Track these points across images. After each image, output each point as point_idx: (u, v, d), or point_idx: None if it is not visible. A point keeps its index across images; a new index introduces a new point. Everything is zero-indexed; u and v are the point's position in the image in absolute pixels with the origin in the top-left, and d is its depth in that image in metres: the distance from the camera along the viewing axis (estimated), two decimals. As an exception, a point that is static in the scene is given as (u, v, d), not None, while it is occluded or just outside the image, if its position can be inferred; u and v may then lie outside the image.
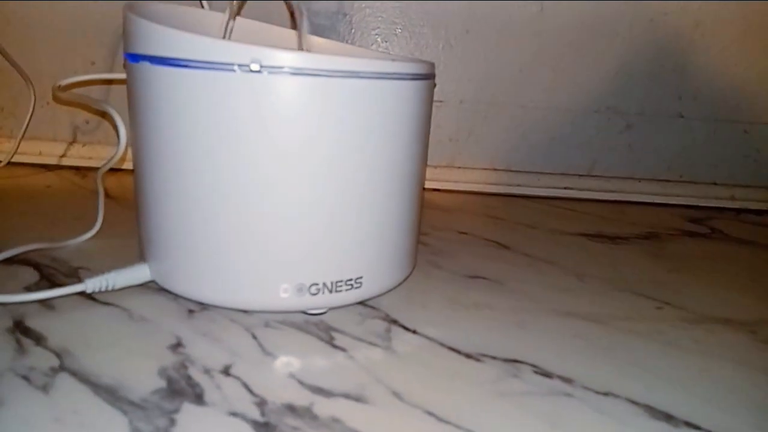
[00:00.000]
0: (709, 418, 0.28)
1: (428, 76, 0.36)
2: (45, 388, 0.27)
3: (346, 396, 0.28)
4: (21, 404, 0.26)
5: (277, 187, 0.32)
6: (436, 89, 0.68)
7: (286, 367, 0.30)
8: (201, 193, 0.33)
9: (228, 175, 0.32)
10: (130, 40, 0.33)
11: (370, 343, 0.33)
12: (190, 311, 0.35)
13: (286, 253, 0.33)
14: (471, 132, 0.70)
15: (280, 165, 0.32)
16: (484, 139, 0.70)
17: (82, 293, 0.35)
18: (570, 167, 0.71)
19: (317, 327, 0.34)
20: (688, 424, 0.28)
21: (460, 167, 0.71)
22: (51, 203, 0.56)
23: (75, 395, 0.27)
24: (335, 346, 0.32)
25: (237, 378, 0.29)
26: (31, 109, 0.65)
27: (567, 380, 0.31)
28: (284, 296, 0.34)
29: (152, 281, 0.37)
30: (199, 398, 0.27)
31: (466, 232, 0.54)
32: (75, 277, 0.39)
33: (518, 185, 0.70)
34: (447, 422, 0.27)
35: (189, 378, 0.28)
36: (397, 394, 0.28)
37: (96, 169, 0.67)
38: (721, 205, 0.71)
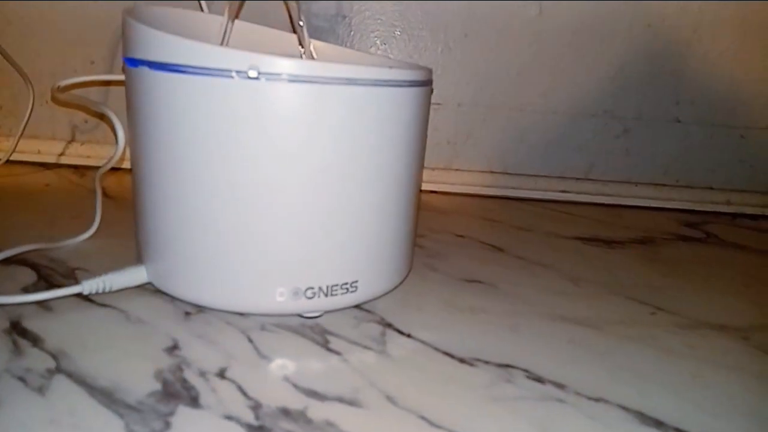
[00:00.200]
0: (700, 424, 0.29)
1: (426, 83, 0.36)
2: (41, 390, 0.27)
3: (340, 400, 0.28)
4: (17, 406, 0.26)
5: (274, 191, 0.32)
6: (434, 92, 0.68)
7: (281, 371, 0.30)
8: (198, 196, 0.33)
9: (225, 179, 0.32)
10: (130, 45, 0.34)
11: (365, 347, 0.33)
12: (187, 313, 0.35)
13: (283, 256, 0.33)
14: (469, 135, 0.70)
15: (277, 170, 0.32)
16: (482, 141, 0.70)
17: (79, 294, 0.35)
18: (567, 170, 0.71)
19: (312, 330, 0.35)
20: (678, 431, 0.28)
21: (457, 170, 0.71)
22: (49, 202, 0.56)
23: (71, 397, 0.27)
24: (330, 350, 0.33)
25: (232, 381, 0.29)
26: (30, 108, 0.65)
27: (559, 386, 0.31)
28: (280, 300, 0.34)
29: (149, 283, 0.37)
30: (194, 401, 0.27)
31: (462, 235, 0.55)
32: (72, 278, 0.39)
33: (515, 188, 0.71)
34: (440, 427, 0.27)
35: (184, 381, 0.29)
36: (390, 399, 0.29)
37: (95, 168, 0.68)
38: (717, 210, 0.71)
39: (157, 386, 0.28)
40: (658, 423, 0.28)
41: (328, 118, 0.32)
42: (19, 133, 0.65)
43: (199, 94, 0.31)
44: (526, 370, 0.32)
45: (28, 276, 0.39)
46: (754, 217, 0.70)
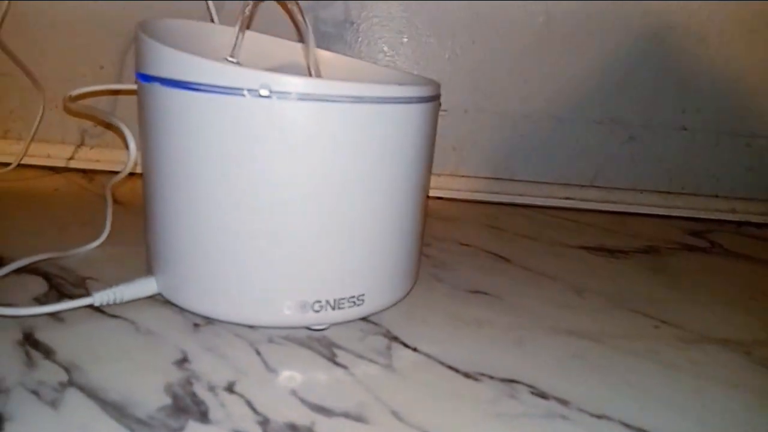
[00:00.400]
0: (701, 443, 0.29)
1: (434, 98, 0.37)
2: (54, 404, 0.28)
3: (347, 415, 0.29)
4: (30, 420, 0.27)
5: (283, 206, 0.33)
6: (441, 98, 0.68)
7: (289, 385, 0.31)
8: (209, 211, 0.33)
9: (235, 194, 0.33)
10: (142, 61, 0.34)
11: (371, 361, 0.34)
12: (196, 325, 0.36)
13: (291, 270, 0.34)
14: (475, 141, 0.70)
15: (287, 186, 0.32)
16: (488, 148, 0.71)
17: (90, 305, 0.36)
18: (572, 177, 0.71)
19: (319, 343, 0.35)
20: (680, 450, 0.28)
21: (463, 176, 0.71)
22: (59, 208, 0.57)
23: (83, 411, 0.27)
24: (337, 363, 0.33)
25: (241, 396, 0.29)
26: (40, 113, 0.65)
27: (563, 402, 0.31)
28: (288, 313, 0.34)
29: (159, 294, 0.37)
30: (203, 416, 0.28)
31: (467, 244, 0.55)
32: (83, 287, 0.40)
33: (520, 194, 0.71)
34: (444, 444, 0.27)
35: (194, 395, 0.29)
36: (396, 414, 0.29)
37: (103, 172, 0.69)
38: (723, 218, 0.71)
39: (168, 400, 0.29)
40: (660, 441, 0.29)
41: (338, 135, 0.32)
42: (30, 137, 0.65)
43: (211, 111, 0.31)
44: (530, 386, 0.33)
45: (40, 285, 0.40)
46: (759, 225, 0.70)
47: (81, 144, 0.70)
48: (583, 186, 0.71)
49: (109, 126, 0.68)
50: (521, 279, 0.48)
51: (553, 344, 0.37)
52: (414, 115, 0.35)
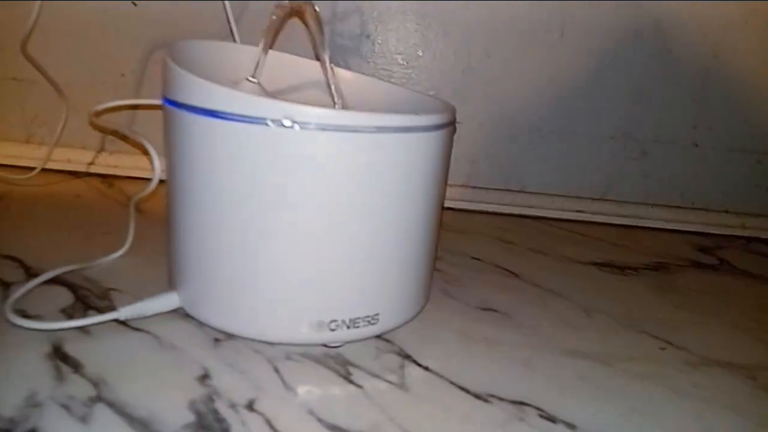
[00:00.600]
0: (702, 470, 0.30)
1: (449, 124, 0.38)
2: (84, 419, 0.29)
3: (362, 435, 0.30)
4: (64, 435, 0.28)
5: (302, 230, 0.34)
6: (455, 110, 0.69)
7: (307, 404, 0.32)
8: (231, 232, 0.35)
9: (257, 218, 0.34)
10: (170, 87, 0.35)
11: (385, 380, 0.35)
12: (216, 340, 0.37)
13: (308, 291, 0.35)
14: (487, 153, 0.71)
15: (306, 211, 0.34)
16: (500, 160, 0.72)
17: (116, 319, 0.37)
18: (584, 191, 0.72)
19: (335, 361, 0.36)
20: (683, 477, 0.29)
21: (475, 187, 0.72)
22: (81, 215, 0.58)
23: (112, 428, 0.29)
24: (352, 382, 0.34)
25: (261, 414, 0.31)
26: (63, 120, 0.67)
27: (570, 425, 0.32)
28: (305, 331, 0.36)
29: (180, 308, 0.39)
30: (226, 434, 0.29)
31: (478, 258, 0.56)
32: (107, 298, 0.41)
33: (531, 206, 0.72)
34: (455, 467, 0.28)
35: (216, 412, 0.31)
36: (409, 435, 0.30)
37: (123, 177, 0.70)
38: (732, 233, 0.72)
39: (191, 417, 0.30)
40: (663, 468, 0.30)
41: (357, 163, 0.33)
42: (54, 142, 0.67)
43: (236, 138, 0.33)
44: (539, 408, 0.34)
45: (66, 297, 0.41)
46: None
47: (101, 150, 0.71)
48: (594, 199, 0.72)
49: (125, 137, 0.69)
50: (530, 296, 0.49)
51: (561, 365, 0.39)
52: (431, 142, 0.36)
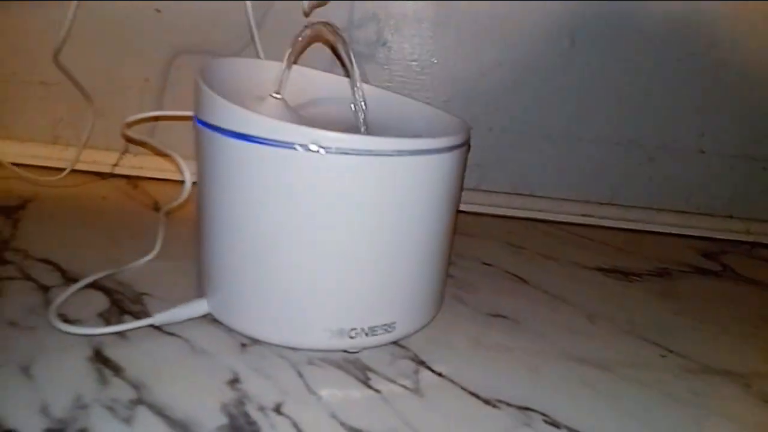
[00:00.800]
0: (695, 475, 0.32)
1: (464, 143, 0.40)
2: (128, 421, 0.32)
3: (380, 438, 0.33)
4: (110, 435, 0.31)
5: (325, 246, 0.36)
6: (466, 115, 0.71)
7: (329, 408, 0.35)
8: (258, 245, 0.37)
9: (283, 233, 0.36)
10: (202, 108, 0.38)
11: (401, 386, 0.37)
12: (243, 345, 0.40)
13: (330, 301, 0.38)
14: (497, 157, 0.73)
15: (330, 228, 0.36)
16: (509, 164, 0.74)
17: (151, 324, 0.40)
18: (590, 195, 0.74)
19: (354, 366, 0.39)
20: (676, 481, 0.32)
21: (485, 190, 0.74)
22: (109, 218, 0.61)
23: (154, 429, 0.32)
24: (370, 387, 0.37)
25: (287, 417, 0.33)
26: (91, 124, 0.69)
27: (573, 431, 0.35)
28: (326, 338, 0.38)
29: (209, 314, 0.42)
30: (256, 436, 0.32)
31: (488, 263, 0.58)
32: (140, 303, 0.44)
33: (540, 210, 0.74)
34: (466, 469, 0.31)
35: (246, 415, 0.33)
36: (423, 438, 0.33)
37: (146, 179, 0.73)
38: (736, 239, 0.73)
39: (224, 420, 0.33)
40: (658, 473, 0.32)
41: (378, 184, 0.36)
42: (82, 145, 0.69)
43: (265, 160, 0.35)
44: (543, 414, 0.36)
45: (101, 301, 0.44)
46: (771, 247, 0.72)
47: (125, 151, 0.74)
48: (601, 204, 0.74)
49: (154, 148, 0.71)
50: (538, 303, 0.51)
51: (566, 372, 0.41)
52: (448, 162, 0.38)
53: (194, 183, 0.42)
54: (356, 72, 0.43)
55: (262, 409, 0.34)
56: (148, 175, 0.74)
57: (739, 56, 0.68)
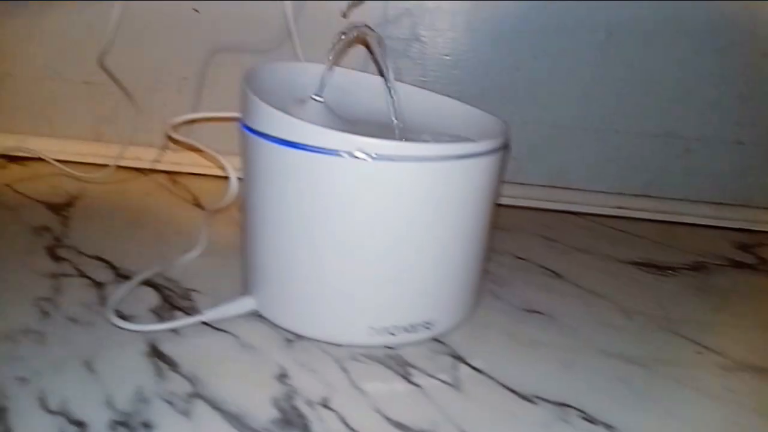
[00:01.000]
0: (732, 472, 0.33)
1: (505, 145, 0.41)
2: (186, 413, 0.34)
3: (423, 432, 0.34)
4: (170, 428, 0.33)
5: (368, 248, 0.38)
6: (501, 108, 0.71)
7: (374, 402, 0.36)
8: (303, 247, 0.39)
9: (327, 236, 0.38)
10: (249, 115, 0.39)
11: (441, 381, 0.39)
12: (288, 341, 0.42)
13: (372, 301, 0.39)
14: (532, 150, 0.74)
15: (372, 231, 0.37)
16: (544, 157, 0.74)
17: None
18: (625, 187, 0.74)
19: (395, 362, 0.40)
20: (713, 478, 0.33)
21: (520, 183, 0.75)
22: (151, 213, 0.63)
23: (211, 421, 0.34)
24: (411, 382, 0.38)
25: (334, 411, 0.35)
26: (134, 123, 0.72)
27: (609, 427, 0.36)
28: (369, 335, 0.40)
29: (255, 310, 0.43)
30: (306, 430, 0.33)
31: (523, 258, 0.59)
32: (188, 299, 0.46)
33: (575, 203, 0.74)
34: (507, 463, 0.32)
35: (296, 409, 0.35)
36: (464, 433, 0.34)
37: (186, 174, 0.75)
38: (774, 230, 0.73)
39: (276, 413, 0.34)
40: (695, 470, 0.33)
41: (420, 188, 0.37)
42: (126, 142, 0.72)
43: (312, 167, 0.36)
44: (580, 410, 0.37)
45: (152, 297, 0.46)
46: (810, 239, 0.71)
47: (165, 147, 0.76)
48: (636, 195, 0.74)
49: (189, 147, 0.73)
50: (572, 297, 0.52)
51: (602, 367, 0.42)
52: (489, 164, 0.39)
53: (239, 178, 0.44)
54: (392, 79, 0.44)
55: (310, 403, 0.36)
56: (187, 170, 0.76)
57: (780, 45, 0.67)
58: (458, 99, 0.51)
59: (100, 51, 0.66)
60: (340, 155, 0.35)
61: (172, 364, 0.38)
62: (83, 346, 0.39)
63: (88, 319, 0.42)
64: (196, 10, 0.71)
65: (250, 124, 0.39)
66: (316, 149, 0.36)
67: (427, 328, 0.41)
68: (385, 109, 0.49)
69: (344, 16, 0.61)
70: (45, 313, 0.43)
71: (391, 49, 0.70)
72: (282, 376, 0.38)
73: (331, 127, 0.42)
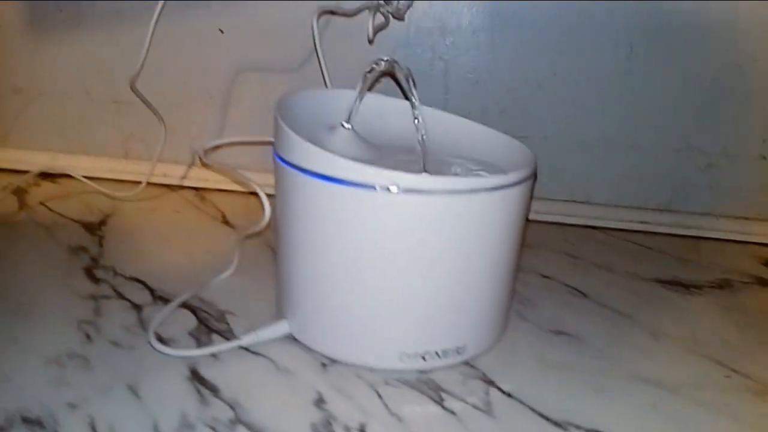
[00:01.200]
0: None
1: (533, 175, 0.42)
2: (230, 440, 0.35)
3: (459, 460, 0.35)
4: (216, 454, 0.34)
5: (400, 276, 0.39)
6: (522, 125, 0.72)
7: (409, 428, 0.37)
8: (337, 276, 0.40)
9: (361, 265, 0.39)
10: (282, 146, 0.40)
11: (474, 407, 0.40)
12: (323, 365, 0.43)
13: (406, 327, 0.40)
14: (553, 165, 0.74)
15: (405, 260, 0.38)
16: (566, 172, 0.74)
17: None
18: (648, 202, 0.74)
19: (428, 386, 0.41)
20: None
21: (542, 198, 0.75)
22: (182, 232, 0.65)
23: (253, 448, 0.35)
24: (445, 408, 0.39)
25: (372, 438, 0.36)
26: (163, 140, 0.73)
27: (642, 454, 0.37)
28: (402, 360, 0.41)
29: (289, 333, 0.45)
30: (346, 457, 0.35)
31: (547, 276, 0.60)
32: (224, 321, 0.48)
33: (596, 218, 0.75)
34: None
35: (335, 435, 0.36)
36: (499, 460, 0.35)
37: (213, 190, 0.76)
38: (798, 245, 0.73)
39: (316, 440, 0.36)
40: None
41: (452, 220, 0.38)
42: (155, 159, 0.73)
43: (346, 200, 0.37)
44: (612, 437, 0.38)
45: (189, 320, 0.47)
46: (836, 254, 0.71)
47: (192, 164, 0.78)
48: (658, 210, 0.74)
49: (223, 172, 0.75)
50: (599, 318, 0.52)
51: (631, 393, 0.42)
52: (519, 194, 0.40)
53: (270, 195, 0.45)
54: (420, 113, 0.45)
55: (347, 429, 0.37)
56: (214, 186, 0.77)
57: (804, 61, 0.67)
58: (482, 119, 0.51)
59: (132, 75, 0.68)
60: (373, 189, 0.36)
61: (213, 389, 0.39)
62: (127, 371, 0.41)
63: (130, 342, 0.44)
64: (221, 30, 0.72)
65: (283, 156, 0.40)
66: (350, 183, 0.37)
67: (459, 353, 0.42)
68: (411, 133, 0.50)
69: (370, 42, 0.62)
70: (88, 337, 0.44)
71: (414, 68, 0.70)
72: (319, 402, 0.39)
73: (362, 155, 0.44)
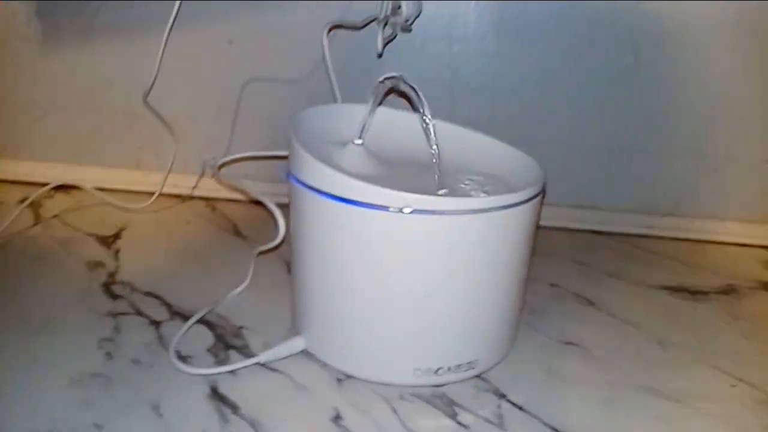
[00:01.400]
0: None
1: (541, 192, 0.43)
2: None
3: (474, 475, 0.36)
4: (239, 473, 0.35)
5: (413, 294, 0.40)
6: (529, 130, 0.73)
7: (424, 445, 0.38)
8: (352, 293, 0.41)
9: (375, 284, 0.40)
10: (297, 166, 0.41)
11: (486, 420, 0.41)
12: (339, 380, 0.44)
13: (419, 343, 0.41)
14: (559, 170, 0.75)
15: (419, 277, 0.39)
16: (572, 177, 0.75)
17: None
18: (653, 206, 0.75)
19: (441, 401, 0.42)
20: None
21: (547, 204, 0.76)
22: (195, 245, 0.66)
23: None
24: (459, 423, 0.40)
25: (390, 454, 0.37)
26: (174, 151, 0.74)
27: (651, 467, 0.38)
28: (415, 376, 0.42)
29: (305, 349, 0.46)
30: (365, 474, 0.36)
31: (556, 284, 0.61)
32: (240, 337, 0.49)
33: (603, 222, 0.75)
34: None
35: (353, 452, 0.37)
36: (513, 475, 0.36)
37: (222, 200, 0.77)
38: (804, 247, 0.73)
39: (335, 457, 0.37)
40: None
41: (464, 238, 0.39)
42: (167, 170, 0.74)
43: (360, 220, 0.39)
44: (621, 450, 0.39)
45: (206, 336, 0.49)
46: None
47: (202, 174, 0.79)
48: (664, 214, 0.75)
49: (237, 189, 0.75)
50: (607, 327, 0.53)
51: (639, 404, 0.43)
52: (529, 210, 0.41)
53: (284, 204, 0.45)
54: (431, 127, 0.45)
55: (365, 446, 0.38)
56: (224, 196, 0.78)
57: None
58: (490, 126, 0.52)
59: (144, 89, 0.69)
60: (387, 210, 0.37)
61: (233, 407, 0.41)
62: (148, 389, 0.42)
63: (150, 360, 0.45)
64: (231, 42, 0.73)
65: (298, 176, 0.41)
66: (365, 204, 0.38)
67: (471, 367, 0.43)
68: (422, 147, 0.51)
69: (380, 56, 0.63)
70: (109, 355, 0.45)
71: (421, 78, 0.71)
72: (337, 418, 0.40)
73: (374, 172, 0.44)
